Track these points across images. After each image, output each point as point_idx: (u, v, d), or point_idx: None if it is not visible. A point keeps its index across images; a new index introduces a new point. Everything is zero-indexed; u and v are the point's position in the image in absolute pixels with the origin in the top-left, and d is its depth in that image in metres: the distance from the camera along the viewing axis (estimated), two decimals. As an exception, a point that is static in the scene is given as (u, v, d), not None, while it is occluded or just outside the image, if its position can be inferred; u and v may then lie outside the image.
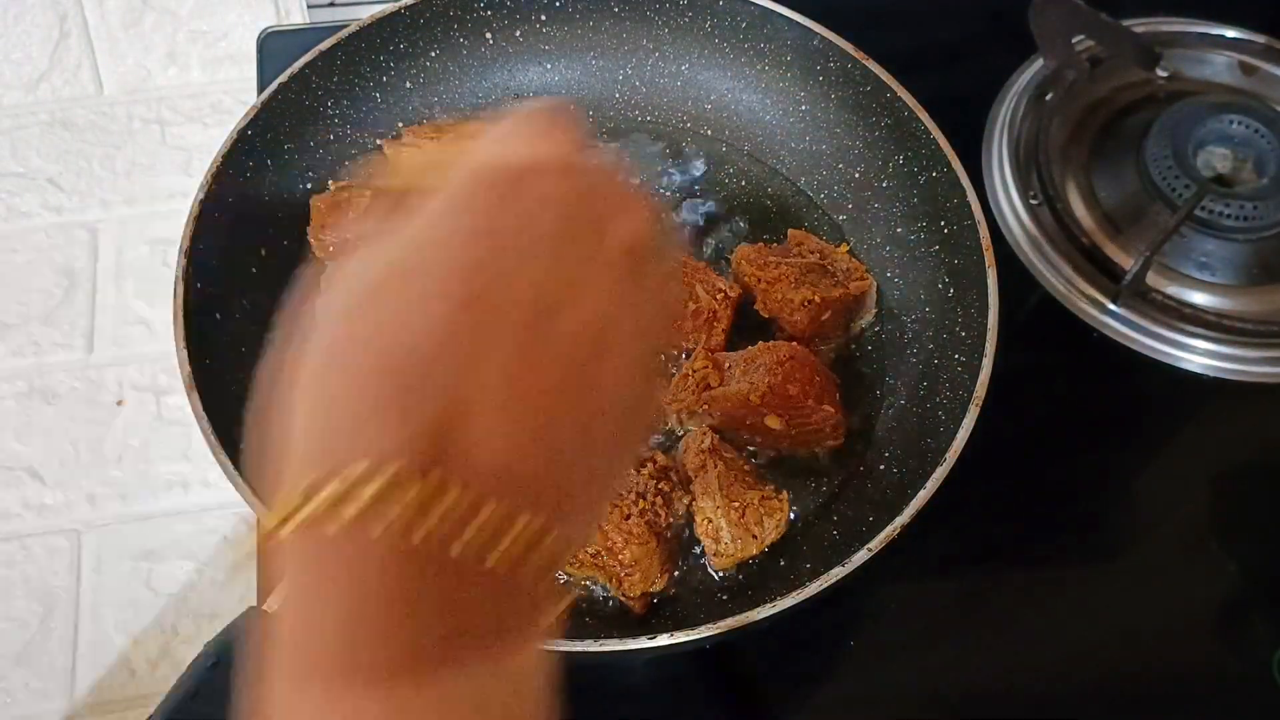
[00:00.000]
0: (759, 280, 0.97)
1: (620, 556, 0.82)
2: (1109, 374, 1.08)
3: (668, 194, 1.07)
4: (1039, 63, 1.23)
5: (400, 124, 1.07)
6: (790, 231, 1.03)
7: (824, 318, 0.95)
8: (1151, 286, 1.09)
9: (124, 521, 1.12)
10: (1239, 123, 1.16)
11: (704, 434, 0.89)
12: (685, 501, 0.87)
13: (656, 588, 0.84)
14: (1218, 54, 1.26)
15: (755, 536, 0.85)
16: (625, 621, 0.84)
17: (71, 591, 1.08)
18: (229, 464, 0.78)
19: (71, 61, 1.37)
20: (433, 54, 1.07)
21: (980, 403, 0.84)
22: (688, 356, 0.94)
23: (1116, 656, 0.94)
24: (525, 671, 0.41)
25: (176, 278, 0.87)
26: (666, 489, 0.85)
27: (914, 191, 1.00)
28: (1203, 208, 1.10)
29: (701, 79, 1.11)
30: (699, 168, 1.09)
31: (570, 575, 0.87)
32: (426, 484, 0.35)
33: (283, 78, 0.98)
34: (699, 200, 1.07)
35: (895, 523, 0.79)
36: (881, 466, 0.91)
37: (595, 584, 0.86)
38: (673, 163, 1.09)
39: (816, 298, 0.94)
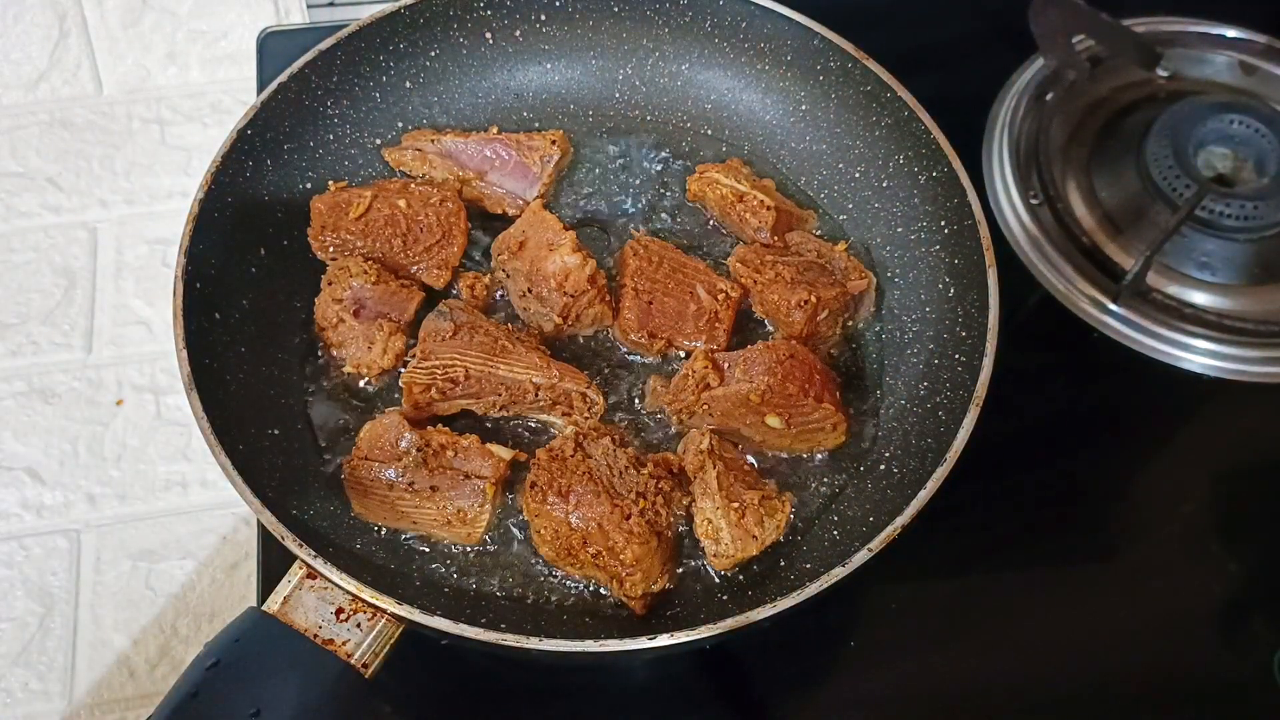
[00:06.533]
0: (755, 281, 0.97)
1: (621, 556, 0.82)
2: (1109, 374, 1.08)
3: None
4: (1039, 63, 1.23)
5: (400, 124, 1.07)
6: (787, 233, 1.03)
7: (821, 317, 0.95)
8: (1152, 286, 1.09)
9: (123, 521, 1.11)
10: (1239, 122, 1.16)
11: (703, 435, 0.89)
12: (685, 501, 0.87)
13: (657, 588, 0.84)
14: (1218, 54, 1.26)
15: (755, 537, 0.85)
16: (625, 621, 0.84)
17: (71, 591, 1.07)
18: (229, 464, 0.78)
19: (71, 61, 1.37)
20: (433, 54, 1.07)
21: (980, 403, 0.84)
22: (688, 357, 0.94)
23: (1116, 656, 0.94)
24: None
25: (176, 277, 0.86)
26: (667, 488, 0.85)
27: (914, 191, 1.00)
28: (1203, 207, 1.10)
29: (701, 79, 1.11)
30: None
31: (571, 576, 0.87)
32: None
33: (282, 78, 0.98)
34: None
35: (895, 523, 0.79)
36: (881, 466, 0.91)
37: (596, 584, 0.87)
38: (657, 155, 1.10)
39: (813, 298, 0.94)
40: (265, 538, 0.94)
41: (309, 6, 1.37)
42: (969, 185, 0.94)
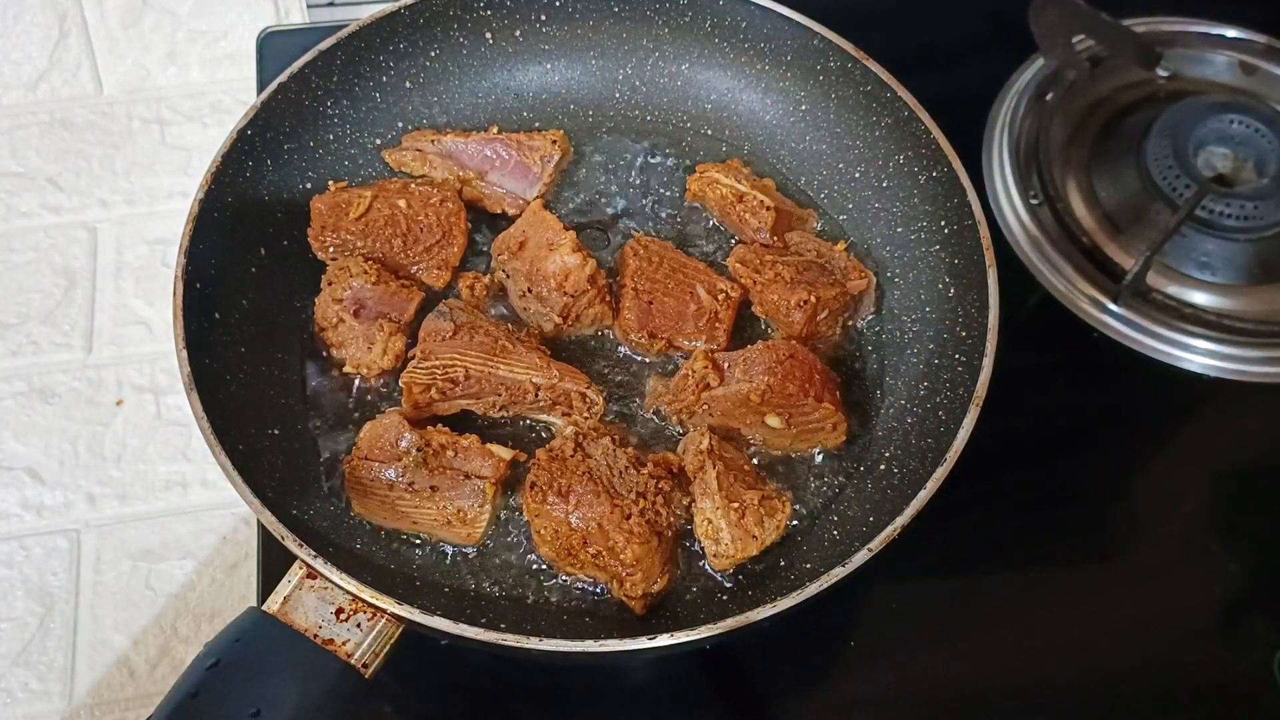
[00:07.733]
0: (755, 281, 0.97)
1: (621, 556, 0.82)
2: (1109, 374, 1.08)
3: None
4: (1039, 63, 1.23)
5: (400, 124, 1.07)
6: (787, 233, 1.03)
7: (821, 317, 0.95)
8: (1152, 286, 1.09)
9: (123, 521, 1.11)
10: (1239, 122, 1.16)
11: (703, 435, 0.89)
12: (685, 501, 0.87)
13: (658, 588, 0.84)
14: (1218, 54, 1.26)
15: (755, 537, 0.85)
16: (625, 621, 0.84)
17: (71, 592, 1.07)
18: (229, 464, 0.78)
19: (71, 61, 1.37)
20: (433, 54, 1.07)
21: (980, 403, 0.84)
22: (688, 357, 0.94)
23: (1116, 656, 0.94)
24: None
25: (176, 277, 0.87)
26: (667, 488, 0.85)
27: (914, 191, 1.00)
28: (1203, 207, 1.10)
29: (701, 79, 1.11)
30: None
31: (571, 576, 0.87)
32: None
33: (282, 77, 0.98)
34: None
35: (895, 523, 0.79)
36: (882, 466, 0.91)
37: (596, 584, 0.87)
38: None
39: (813, 298, 0.94)
40: (265, 538, 0.94)
41: (309, 6, 1.37)
42: (969, 185, 0.94)
